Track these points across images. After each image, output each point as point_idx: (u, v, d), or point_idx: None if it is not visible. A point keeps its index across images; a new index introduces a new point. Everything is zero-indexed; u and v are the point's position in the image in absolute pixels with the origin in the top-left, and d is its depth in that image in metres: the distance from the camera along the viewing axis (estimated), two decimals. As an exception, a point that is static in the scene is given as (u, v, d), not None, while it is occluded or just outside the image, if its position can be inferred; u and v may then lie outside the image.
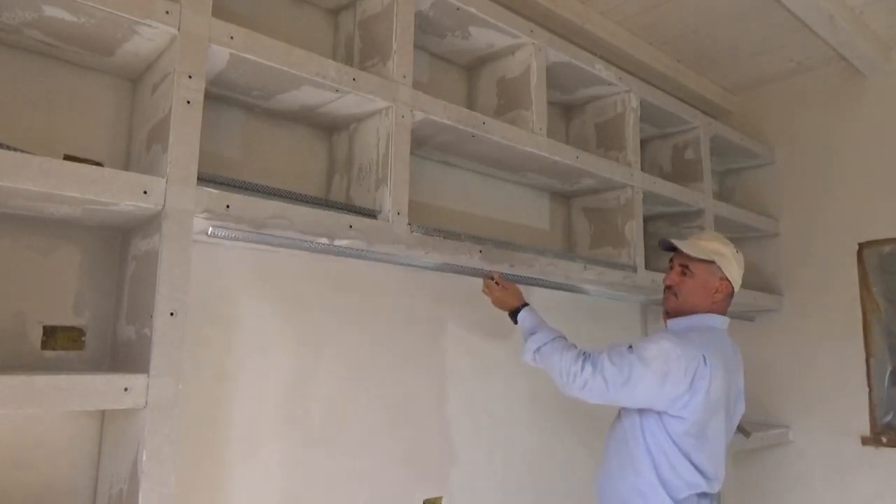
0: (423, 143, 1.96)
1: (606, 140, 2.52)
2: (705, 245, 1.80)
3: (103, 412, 1.41)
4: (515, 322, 1.83)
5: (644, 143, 2.83)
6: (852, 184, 2.90)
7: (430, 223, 1.95)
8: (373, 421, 1.88)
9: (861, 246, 2.84)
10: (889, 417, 2.68)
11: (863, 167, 2.88)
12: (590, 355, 1.65)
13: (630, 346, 1.64)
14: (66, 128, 1.44)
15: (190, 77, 1.33)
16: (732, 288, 1.80)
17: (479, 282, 1.90)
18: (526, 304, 1.83)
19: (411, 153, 1.75)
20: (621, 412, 1.75)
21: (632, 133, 2.45)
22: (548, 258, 2.06)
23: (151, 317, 1.24)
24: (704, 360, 1.61)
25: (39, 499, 1.33)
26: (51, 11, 1.25)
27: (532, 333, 1.76)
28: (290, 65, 1.50)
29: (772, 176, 3.19)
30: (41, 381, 1.09)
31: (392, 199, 1.66)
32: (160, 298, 1.24)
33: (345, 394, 1.83)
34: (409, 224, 1.69)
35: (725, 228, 3.02)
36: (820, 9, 2.36)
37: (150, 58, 1.43)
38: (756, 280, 3.16)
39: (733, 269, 1.79)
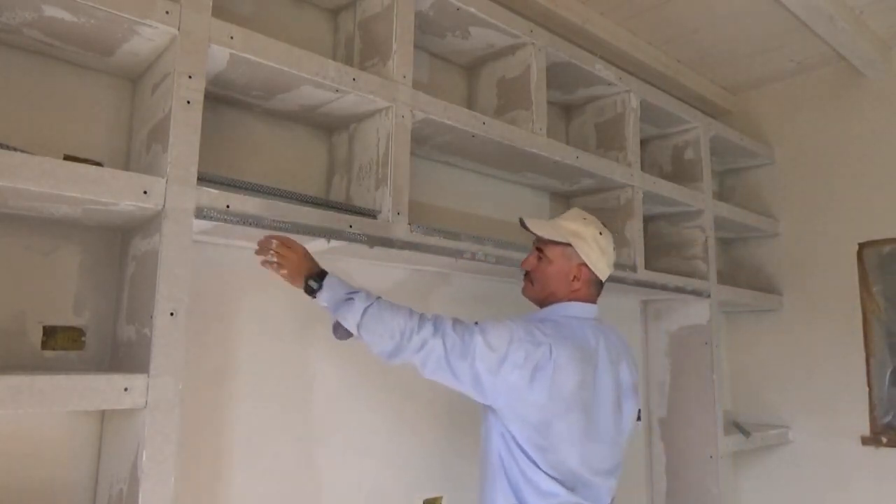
0: (423, 143, 1.96)
1: (606, 140, 2.52)
2: (563, 225, 1.62)
3: (103, 412, 1.41)
4: (314, 292, 1.43)
5: (644, 143, 2.83)
6: (852, 184, 2.90)
7: (430, 223, 1.94)
8: (373, 420, 1.88)
9: (861, 246, 2.84)
10: (889, 417, 2.68)
11: (863, 167, 2.88)
12: (430, 316, 1.45)
13: (476, 323, 1.48)
14: (66, 128, 1.44)
15: (190, 77, 1.33)
16: (595, 274, 1.61)
17: (478, 282, 1.90)
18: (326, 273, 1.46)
19: (411, 153, 1.75)
20: (482, 424, 1.57)
21: (632, 133, 2.45)
22: (548, 258, 2.06)
23: (151, 317, 1.24)
24: (550, 352, 1.43)
25: (39, 499, 1.33)
26: (51, 11, 1.25)
27: (349, 299, 1.42)
28: (290, 65, 1.50)
29: (772, 176, 3.19)
30: (41, 381, 1.09)
31: (392, 199, 1.66)
32: (160, 298, 1.24)
33: (345, 393, 1.83)
34: (409, 224, 1.69)
35: (725, 228, 3.03)
36: (820, 9, 2.36)
37: (150, 58, 1.43)
38: (756, 280, 3.16)
39: (592, 253, 1.59)
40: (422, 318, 1.44)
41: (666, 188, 2.55)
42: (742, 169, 3.29)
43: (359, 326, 1.41)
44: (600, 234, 1.61)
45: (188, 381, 1.34)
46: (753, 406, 3.08)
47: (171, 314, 1.25)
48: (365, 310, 1.41)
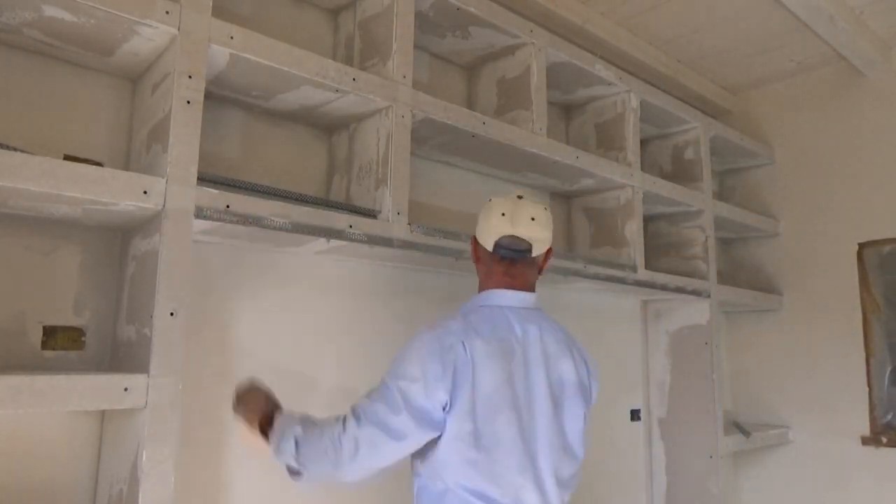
0: (423, 143, 1.96)
1: (606, 140, 2.52)
2: None
3: (103, 412, 1.41)
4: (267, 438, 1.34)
5: (644, 143, 2.83)
6: (852, 184, 2.90)
7: (430, 223, 1.94)
8: (373, 421, 1.88)
9: (861, 246, 2.84)
10: (889, 417, 2.68)
11: (863, 167, 2.88)
12: (349, 413, 1.30)
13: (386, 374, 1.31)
14: (66, 128, 1.44)
15: (190, 77, 1.33)
16: (488, 250, 1.40)
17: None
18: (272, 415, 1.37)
19: (411, 153, 1.75)
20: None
21: (632, 133, 2.45)
22: (548, 258, 2.06)
23: (151, 317, 1.24)
24: (464, 349, 1.27)
25: (39, 499, 1.33)
26: (51, 11, 1.25)
27: (281, 434, 1.32)
28: (290, 65, 1.50)
29: (772, 176, 3.19)
30: (41, 381, 1.09)
31: (392, 199, 1.66)
32: (160, 298, 1.24)
33: (344, 393, 1.83)
34: (409, 224, 1.69)
35: (725, 228, 3.02)
36: (820, 9, 2.36)
37: (150, 58, 1.43)
38: (756, 280, 3.16)
39: (479, 225, 1.43)
40: (342, 418, 1.29)
41: (666, 188, 2.55)
42: (742, 169, 3.29)
43: (297, 463, 1.30)
44: (489, 200, 1.44)
45: (188, 381, 1.34)
46: (753, 406, 3.08)
47: (171, 314, 1.25)
48: (295, 442, 1.29)
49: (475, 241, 1.46)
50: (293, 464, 1.31)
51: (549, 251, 1.46)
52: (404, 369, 1.28)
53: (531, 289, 1.44)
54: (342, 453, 1.26)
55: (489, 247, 1.40)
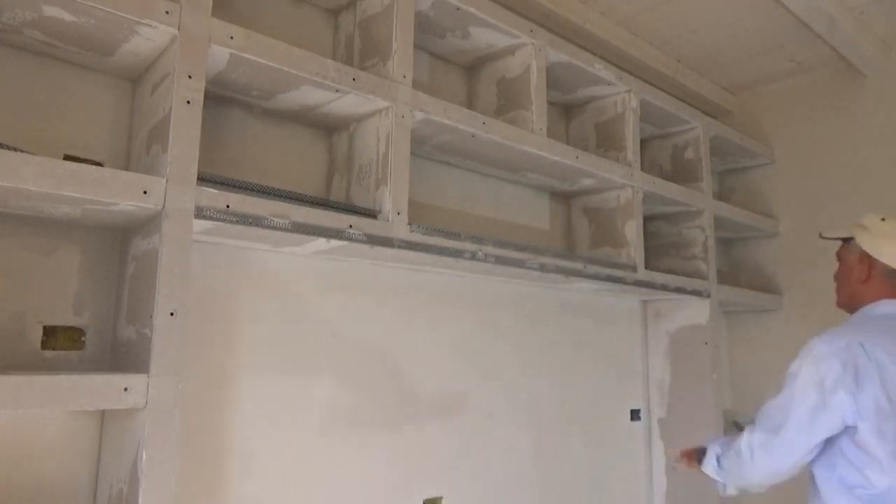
0: (423, 143, 1.96)
1: (606, 140, 2.52)
2: (852, 222, 1.59)
3: (103, 412, 1.41)
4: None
5: (644, 143, 2.83)
6: (852, 184, 2.90)
7: (430, 223, 1.95)
8: (373, 420, 1.88)
9: (861, 246, 2.83)
10: (889, 417, 2.68)
11: (863, 167, 2.88)
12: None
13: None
14: (66, 128, 1.44)
15: (190, 77, 1.33)
16: (884, 263, 1.52)
17: (478, 282, 1.90)
18: (705, 450, 1.72)
19: (411, 153, 1.75)
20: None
21: (632, 133, 2.45)
22: (548, 257, 2.06)
23: (151, 317, 1.24)
24: (863, 349, 1.37)
25: (39, 499, 1.33)
26: (51, 11, 1.25)
27: (707, 456, 1.68)
28: (290, 65, 1.50)
29: (772, 176, 3.19)
30: (41, 381, 1.09)
31: (392, 199, 1.66)
32: (160, 298, 1.24)
33: (344, 393, 1.83)
34: (409, 224, 1.69)
35: (725, 228, 3.03)
36: (820, 9, 2.36)
37: (150, 58, 1.43)
38: (756, 280, 3.16)
39: (875, 240, 1.53)
40: (747, 431, 1.55)
41: (666, 188, 2.55)
42: (742, 169, 3.29)
43: (720, 476, 1.63)
44: (882, 220, 1.54)
45: (188, 381, 1.34)
46: (753, 406, 3.07)
47: (171, 314, 1.25)
48: (718, 458, 1.63)
49: (866, 258, 1.55)
50: (716, 476, 1.62)
51: None
52: (798, 384, 1.44)
53: None
54: (742, 458, 1.50)
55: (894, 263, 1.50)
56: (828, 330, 1.50)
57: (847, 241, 1.60)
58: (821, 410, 1.39)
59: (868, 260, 1.54)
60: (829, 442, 1.43)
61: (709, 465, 1.64)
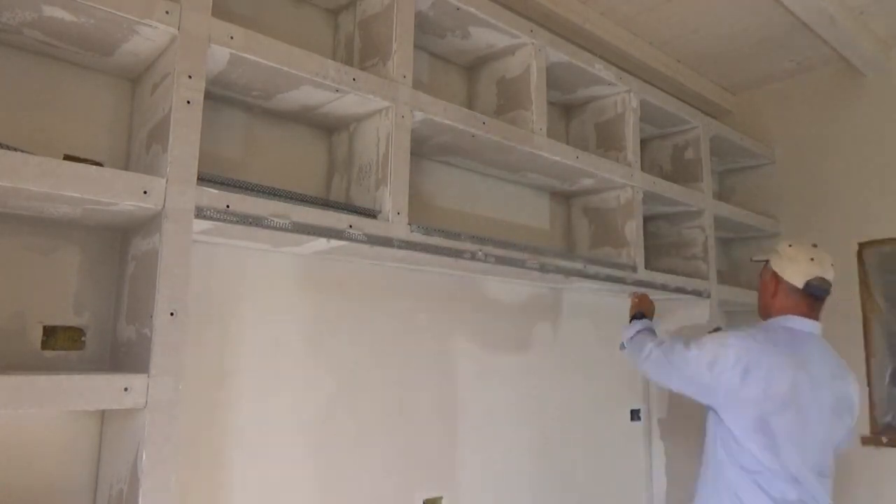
0: (423, 143, 1.96)
1: (606, 140, 2.52)
2: (772, 248, 1.93)
3: (103, 412, 1.41)
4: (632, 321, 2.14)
5: (644, 143, 2.83)
6: (852, 184, 2.90)
7: (430, 223, 1.95)
8: (373, 421, 1.88)
9: (861, 246, 2.84)
10: (889, 417, 2.68)
11: (863, 167, 2.88)
12: (662, 341, 1.91)
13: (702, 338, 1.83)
14: (66, 128, 1.44)
15: (190, 77, 1.33)
16: (788, 282, 1.80)
17: (477, 282, 1.90)
18: (647, 317, 2.12)
19: (411, 153, 1.75)
20: (706, 430, 1.83)
21: (632, 133, 2.45)
22: (548, 257, 2.06)
23: (151, 317, 1.24)
24: (760, 356, 1.66)
25: (39, 499, 1.33)
26: (51, 11, 1.25)
27: (637, 330, 2.05)
28: (290, 65, 1.50)
29: (772, 176, 3.19)
30: (41, 381, 1.09)
31: (392, 199, 1.66)
32: (160, 298, 1.24)
33: (345, 393, 1.83)
34: (409, 224, 1.69)
35: (725, 228, 3.03)
36: (820, 9, 2.36)
37: (150, 58, 1.43)
38: (756, 280, 3.15)
39: (781, 262, 1.83)
40: (658, 341, 1.91)
41: (666, 188, 2.55)
42: (742, 169, 3.29)
43: (626, 342, 2.05)
44: (790, 245, 1.83)
45: (188, 381, 1.34)
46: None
47: (171, 314, 1.25)
48: (635, 334, 2.02)
49: (775, 277, 1.83)
50: (624, 338, 2.07)
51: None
52: (705, 345, 1.74)
53: (819, 320, 1.84)
54: (642, 355, 1.91)
55: (799, 284, 1.78)
56: (744, 329, 1.80)
57: (766, 263, 1.90)
58: (700, 378, 1.74)
59: (776, 279, 1.82)
60: (715, 416, 1.77)
61: (629, 330, 2.06)
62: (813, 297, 1.79)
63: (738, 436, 1.66)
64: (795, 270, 1.78)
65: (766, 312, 1.86)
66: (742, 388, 1.65)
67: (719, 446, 1.72)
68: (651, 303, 2.21)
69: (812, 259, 1.78)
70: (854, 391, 1.80)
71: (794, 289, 1.78)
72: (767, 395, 1.63)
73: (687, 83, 3.02)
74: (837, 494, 2.75)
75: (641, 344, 1.94)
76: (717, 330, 2.14)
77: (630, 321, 2.12)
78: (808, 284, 1.77)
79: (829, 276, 1.78)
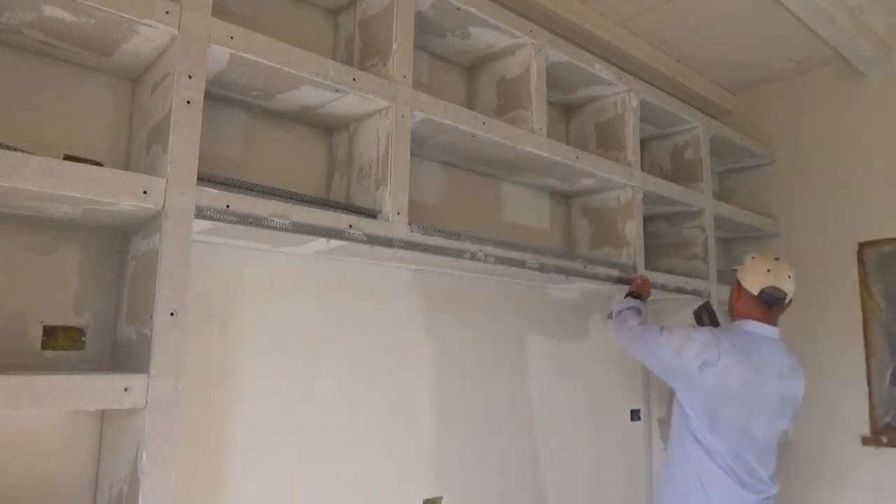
0: (423, 143, 1.96)
1: (606, 140, 2.52)
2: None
3: (103, 412, 1.41)
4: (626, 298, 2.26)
5: (644, 143, 2.83)
6: (852, 184, 2.90)
7: (430, 223, 1.95)
8: (373, 420, 1.88)
9: (861, 246, 2.84)
10: (889, 417, 2.68)
11: (863, 167, 2.88)
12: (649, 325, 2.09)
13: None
14: (66, 128, 1.44)
15: (190, 77, 1.33)
16: (747, 290, 1.97)
17: (477, 285, 1.90)
18: (640, 299, 2.23)
19: (411, 153, 1.75)
20: (673, 413, 2.00)
21: (632, 133, 2.45)
22: (548, 257, 2.06)
23: (151, 317, 1.24)
24: (718, 354, 1.83)
25: (39, 499, 1.33)
26: (51, 11, 1.25)
27: (627, 307, 2.19)
28: (290, 65, 1.50)
29: (772, 176, 3.19)
30: (41, 381, 1.09)
31: (392, 199, 1.66)
32: (160, 298, 1.24)
33: (345, 393, 1.83)
34: (409, 224, 1.69)
35: (725, 228, 3.03)
36: (820, 9, 2.36)
37: (150, 58, 1.43)
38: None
39: (743, 271, 1.99)
40: (640, 320, 2.11)
41: (666, 188, 2.55)
42: (742, 169, 3.30)
43: (614, 315, 2.19)
44: (752, 257, 2.00)
45: (188, 381, 1.34)
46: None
47: (171, 314, 1.25)
48: (624, 309, 2.16)
49: (739, 285, 2.00)
50: (612, 316, 2.19)
51: (790, 301, 2.00)
52: (674, 335, 1.92)
53: (776, 325, 1.99)
54: (623, 328, 2.09)
55: (755, 292, 1.94)
56: (712, 329, 1.99)
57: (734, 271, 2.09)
58: (665, 360, 1.94)
59: (739, 286, 2.00)
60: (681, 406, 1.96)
61: (620, 305, 2.19)
62: (767, 304, 1.95)
63: (690, 416, 1.88)
64: (753, 280, 1.95)
65: (732, 315, 2.04)
66: (699, 376, 1.84)
67: (682, 423, 1.93)
68: (649, 289, 2.32)
69: (769, 270, 1.94)
70: (800, 390, 2.01)
71: (751, 295, 1.96)
72: (719, 388, 1.83)
73: (687, 83, 3.02)
74: (837, 494, 2.78)
75: (626, 319, 2.11)
76: (704, 305, 2.28)
77: (625, 297, 2.25)
78: (762, 292, 1.93)
79: (784, 286, 1.93)
